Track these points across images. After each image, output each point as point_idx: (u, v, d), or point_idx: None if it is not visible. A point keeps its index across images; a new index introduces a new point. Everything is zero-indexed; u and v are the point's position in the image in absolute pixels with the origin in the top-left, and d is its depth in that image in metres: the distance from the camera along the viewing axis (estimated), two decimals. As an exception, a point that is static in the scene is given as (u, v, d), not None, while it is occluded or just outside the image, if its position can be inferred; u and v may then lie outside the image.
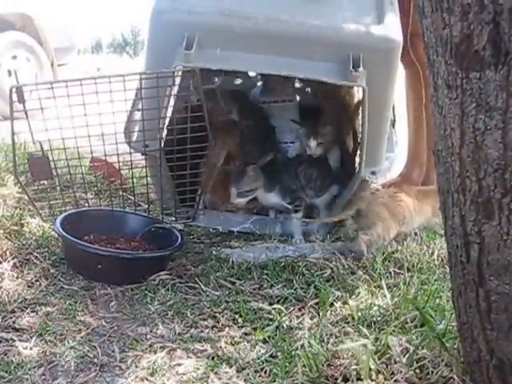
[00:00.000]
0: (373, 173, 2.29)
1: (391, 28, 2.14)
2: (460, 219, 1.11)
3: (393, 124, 2.59)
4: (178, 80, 2.23)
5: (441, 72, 1.07)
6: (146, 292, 1.94)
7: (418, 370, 1.38)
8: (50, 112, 2.16)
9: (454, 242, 1.16)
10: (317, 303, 1.82)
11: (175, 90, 2.25)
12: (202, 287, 1.97)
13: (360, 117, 2.37)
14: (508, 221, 1.03)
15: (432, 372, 1.36)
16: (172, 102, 2.28)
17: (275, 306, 1.83)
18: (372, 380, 1.34)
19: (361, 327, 1.64)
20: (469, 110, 1.02)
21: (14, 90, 2.05)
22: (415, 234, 2.39)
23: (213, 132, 2.24)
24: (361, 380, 1.34)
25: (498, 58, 0.95)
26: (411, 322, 1.64)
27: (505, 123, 0.98)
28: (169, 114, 2.32)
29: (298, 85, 2.79)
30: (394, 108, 2.51)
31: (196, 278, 2.02)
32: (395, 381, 1.35)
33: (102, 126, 2.13)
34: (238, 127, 2.52)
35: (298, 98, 2.77)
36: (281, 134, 2.65)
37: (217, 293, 1.92)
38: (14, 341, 1.65)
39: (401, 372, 1.37)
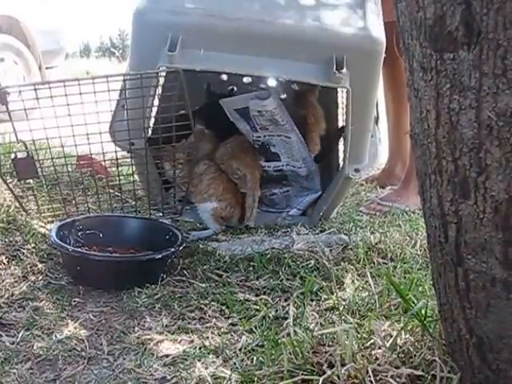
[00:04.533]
0: (356, 170, 2.31)
1: (375, 28, 2.15)
2: (437, 200, 1.13)
3: (376, 121, 2.60)
4: (161, 80, 2.25)
5: (416, 55, 1.08)
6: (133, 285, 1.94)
7: (401, 354, 1.39)
8: (36, 113, 2.17)
9: (433, 223, 1.17)
10: (302, 293, 1.84)
11: (159, 90, 2.27)
12: (189, 280, 1.98)
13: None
14: (484, 199, 1.04)
15: (415, 355, 1.37)
16: (156, 102, 2.30)
17: (261, 296, 1.85)
18: (356, 364, 1.35)
19: (345, 315, 1.66)
20: (443, 90, 1.04)
21: None
22: (399, 225, 2.41)
23: None
24: (345, 365, 1.35)
25: (471, 38, 0.97)
26: (395, 309, 1.66)
27: (478, 102, 0.99)
28: (153, 113, 2.34)
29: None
30: (377, 105, 2.53)
31: (183, 271, 2.04)
32: (378, 365, 1.35)
33: (86, 125, 2.15)
34: None
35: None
36: (286, 159, 2.60)
37: (204, 285, 1.94)
38: (1, 336, 1.66)
39: (384, 356, 1.38)
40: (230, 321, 1.74)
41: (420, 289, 1.75)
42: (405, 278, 1.89)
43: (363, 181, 3.12)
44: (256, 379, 1.39)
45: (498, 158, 1.00)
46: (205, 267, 2.05)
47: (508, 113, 0.97)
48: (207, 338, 1.66)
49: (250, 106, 2.41)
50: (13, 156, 2.25)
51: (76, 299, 1.88)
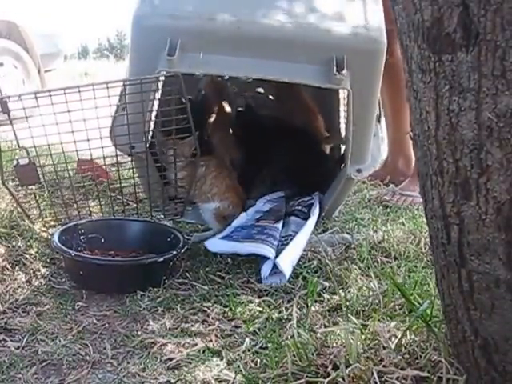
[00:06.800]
0: (358, 170, 2.29)
1: (376, 29, 2.13)
2: (439, 201, 1.13)
3: (378, 119, 2.60)
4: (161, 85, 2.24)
5: (414, 57, 1.08)
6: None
7: (406, 355, 1.39)
8: (36, 120, 2.17)
9: (435, 224, 1.17)
10: (305, 294, 1.83)
11: (159, 94, 2.26)
12: (192, 282, 1.98)
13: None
14: (486, 200, 1.04)
15: (420, 356, 1.37)
16: (156, 106, 2.30)
17: (264, 298, 1.85)
18: (361, 366, 1.35)
19: (349, 316, 1.66)
20: (443, 92, 1.04)
21: None
22: (402, 223, 2.40)
23: None
24: (349, 366, 1.35)
25: (469, 40, 0.97)
26: (399, 309, 1.66)
27: (478, 103, 0.99)
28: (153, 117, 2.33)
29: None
30: (379, 103, 2.52)
31: (185, 274, 2.04)
32: (384, 366, 1.35)
33: (87, 131, 2.14)
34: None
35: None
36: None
37: (206, 287, 1.94)
38: (5, 341, 1.66)
39: (389, 357, 1.38)
40: (233, 323, 1.74)
41: (425, 288, 1.74)
42: (409, 276, 1.88)
43: (365, 178, 3.10)
44: (260, 382, 1.40)
45: (499, 158, 1.00)
46: (207, 269, 2.05)
47: (508, 114, 0.97)
48: (210, 340, 1.66)
49: None
50: (15, 163, 2.24)
51: (79, 303, 1.88)
